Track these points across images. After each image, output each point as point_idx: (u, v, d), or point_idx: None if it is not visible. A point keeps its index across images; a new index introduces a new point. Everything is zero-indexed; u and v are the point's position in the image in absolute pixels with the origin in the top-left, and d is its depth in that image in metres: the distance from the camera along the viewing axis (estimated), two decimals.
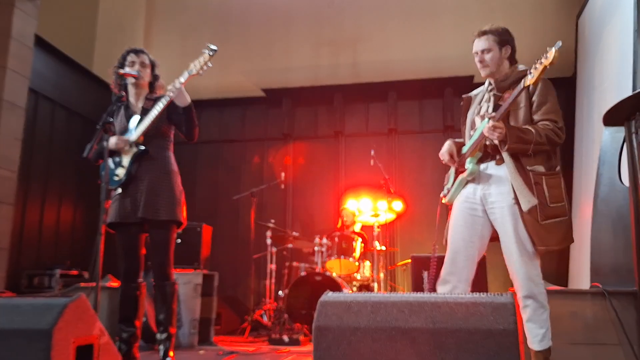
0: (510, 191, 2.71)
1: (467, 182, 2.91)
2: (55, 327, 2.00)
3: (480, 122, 2.89)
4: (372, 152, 5.95)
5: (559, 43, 2.53)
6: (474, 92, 3.12)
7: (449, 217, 3.01)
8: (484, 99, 2.99)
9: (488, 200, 2.81)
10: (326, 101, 7.96)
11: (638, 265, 2.85)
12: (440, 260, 2.92)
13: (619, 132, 3.64)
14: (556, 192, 2.74)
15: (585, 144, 5.77)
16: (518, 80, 2.75)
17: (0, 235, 4.95)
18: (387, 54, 7.63)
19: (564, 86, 6.86)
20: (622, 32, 4.48)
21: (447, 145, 3.05)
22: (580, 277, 5.34)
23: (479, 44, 2.88)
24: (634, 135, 2.82)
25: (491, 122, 2.66)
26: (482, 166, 2.86)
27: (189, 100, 3.28)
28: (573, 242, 2.77)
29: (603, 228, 3.85)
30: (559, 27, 6.78)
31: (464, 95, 3.17)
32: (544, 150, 2.75)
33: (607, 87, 4.83)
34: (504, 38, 2.89)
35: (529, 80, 2.58)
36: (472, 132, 2.96)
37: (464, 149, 2.99)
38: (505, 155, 2.74)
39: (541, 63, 2.53)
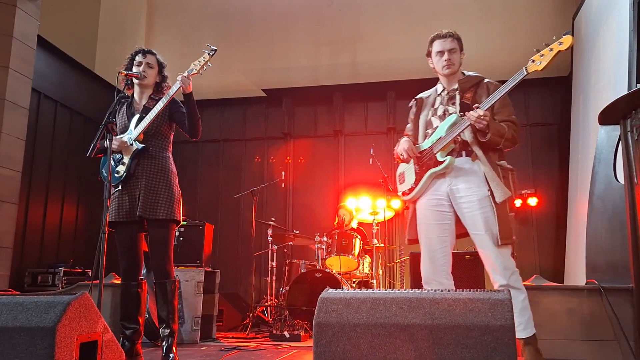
0: (480, 184, 2.81)
1: (434, 177, 2.94)
2: (58, 324, 2.01)
3: (439, 121, 2.98)
4: (371, 151, 5.98)
5: (569, 31, 2.63)
6: (423, 94, 3.21)
7: (413, 215, 3.04)
8: (437, 101, 3.08)
9: (456, 195, 2.87)
10: (326, 101, 8.00)
11: (634, 261, 2.88)
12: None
13: (615, 130, 3.68)
14: (516, 186, 2.87)
15: (581, 143, 5.80)
16: (478, 83, 2.95)
17: (4, 234, 4.98)
18: (386, 53, 7.66)
19: (560, 85, 6.90)
20: (618, 32, 4.51)
21: (407, 141, 3.05)
22: (576, 274, 5.37)
23: (445, 44, 2.99)
24: (629, 134, 2.85)
25: (480, 111, 2.71)
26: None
27: (191, 89, 3.34)
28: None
29: (599, 225, 3.88)
30: (556, 27, 6.78)
31: (416, 97, 3.23)
32: (506, 146, 2.87)
33: (603, 86, 4.85)
34: (461, 43, 3.04)
35: (536, 66, 2.65)
36: (428, 131, 3.03)
37: (425, 145, 3.01)
38: (477, 149, 2.84)
39: (551, 50, 2.61)
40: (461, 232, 2.94)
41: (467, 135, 2.87)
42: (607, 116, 3.01)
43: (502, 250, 2.73)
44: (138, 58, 3.42)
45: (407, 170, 3.09)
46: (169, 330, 3.27)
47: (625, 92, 3.26)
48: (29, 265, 6.08)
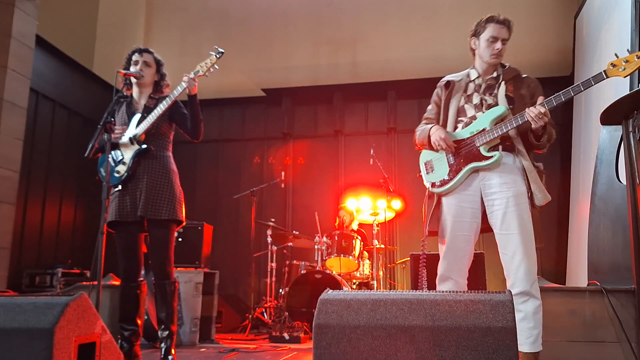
0: (517, 181, 2.67)
1: (471, 172, 2.77)
2: (56, 325, 2.00)
3: (474, 110, 2.81)
4: (372, 151, 5.95)
5: None
6: (454, 77, 3.00)
7: (435, 207, 2.87)
8: (470, 88, 2.89)
9: (487, 190, 2.73)
10: (326, 100, 7.97)
11: (636, 263, 2.86)
12: (431, 258, 2.88)
13: (617, 130, 3.66)
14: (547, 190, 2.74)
15: (583, 143, 5.78)
16: (516, 77, 2.79)
17: (2, 234, 4.95)
18: (387, 53, 7.64)
19: (561, 85, 6.80)
20: (620, 32, 4.49)
21: (442, 130, 2.84)
22: (578, 275, 5.35)
23: (502, 32, 2.79)
24: (631, 134, 2.83)
25: (542, 108, 2.55)
26: None
27: (196, 91, 3.32)
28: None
29: (601, 226, 3.86)
30: (557, 27, 6.78)
31: (447, 79, 3.03)
32: (544, 151, 2.75)
33: (604, 87, 4.83)
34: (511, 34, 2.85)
35: (620, 72, 2.46)
36: (461, 119, 2.86)
37: (462, 135, 2.82)
38: (520, 146, 2.71)
39: (638, 58, 2.44)
40: (481, 228, 2.81)
41: (511, 130, 2.71)
42: (609, 116, 2.99)
43: (529, 253, 2.60)
44: (135, 57, 3.41)
45: (437, 160, 2.89)
46: (167, 332, 3.25)
47: (627, 92, 3.24)
48: (26, 266, 6.05)
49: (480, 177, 2.76)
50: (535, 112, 2.55)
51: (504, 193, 2.67)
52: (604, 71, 2.49)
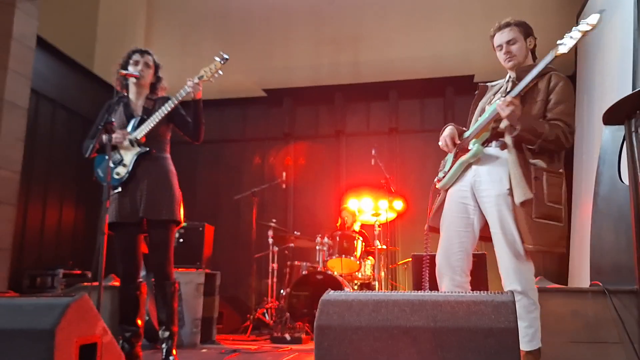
0: (502, 179, 2.62)
1: (466, 166, 2.79)
2: (57, 326, 1.99)
3: (489, 107, 2.81)
4: (373, 152, 5.94)
5: (603, 10, 2.51)
6: (492, 83, 3.03)
7: (441, 203, 2.90)
8: (499, 90, 2.89)
9: (478, 187, 2.72)
10: (327, 100, 7.96)
11: (638, 263, 2.85)
12: (434, 258, 2.86)
13: (619, 130, 3.64)
14: (556, 191, 2.59)
15: (585, 143, 5.76)
16: (542, 75, 2.67)
17: (3, 235, 4.95)
18: (388, 53, 7.63)
19: None
20: (622, 31, 4.47)
21: (449, 129, 2.92)
22: (581, 275, 5.34)
23: (502, 37, 2.81)
24: (634, 134, 2.82)
25: (508, 97, 2.55)
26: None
27: (200, 95, 3.37)
28: (564, 251, 2.60)
29: (603, 227, 3.85)
30: (560, 26, 6.66)
31: (480, 83, 3.07)
32: (549, 149, 2.62)
33: (607, 86, 4.82)
34: (527, 30, 2.84)
35: (562, 48, 2.51)
36: (478, 119, 2.86)
37: (467, 133, 2.87)
38: (509, 142, 2.64)
39: (579, 31, 2.45)
40: (487, 235, 2.77)
41: (504, 126, 2.69)
42: (612, 116, 2.98)
43: (515, 253, 2.56)
44: (135, 57, 3.40)
45: (449, 158, 2.95)
46: (168, 333, 3.25)
47: (629, 91, 3.23)
48: (27, 267, 6.04)
49: (472, 172, 2.76)
50: (501, 100, 2.58)
51: (490, 191, 2.67)
52: (554, 50, 2.53)
